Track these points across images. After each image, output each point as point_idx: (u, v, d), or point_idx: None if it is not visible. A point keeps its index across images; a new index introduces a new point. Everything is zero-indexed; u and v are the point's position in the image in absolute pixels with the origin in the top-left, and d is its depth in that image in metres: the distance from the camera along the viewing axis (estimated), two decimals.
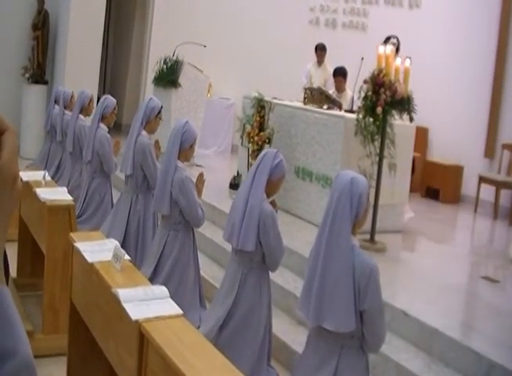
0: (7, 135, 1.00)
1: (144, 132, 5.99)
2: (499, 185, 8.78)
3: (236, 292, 4.35)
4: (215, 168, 10.29)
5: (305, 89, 8.37)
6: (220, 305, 4.44)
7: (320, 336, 3.37)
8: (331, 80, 9.26)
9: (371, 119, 6.34)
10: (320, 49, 10.32)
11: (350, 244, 3.22)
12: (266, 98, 8.23)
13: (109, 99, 7.00)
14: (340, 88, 9.10)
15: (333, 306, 3.20)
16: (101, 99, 7.12)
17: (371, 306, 3.19)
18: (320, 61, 10.33)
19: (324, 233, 3.26)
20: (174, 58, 10.53)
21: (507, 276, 6.27)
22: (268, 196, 4.38)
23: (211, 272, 6.34)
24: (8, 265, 1.09)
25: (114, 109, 7.00)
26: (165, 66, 10.52)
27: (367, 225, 5.65)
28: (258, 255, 4.32)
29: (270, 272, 4.49)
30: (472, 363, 4.37)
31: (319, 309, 3.26)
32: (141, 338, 2.99)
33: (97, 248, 4.00)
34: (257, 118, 8.08)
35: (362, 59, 7.85)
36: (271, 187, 4.34)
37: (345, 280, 3.17)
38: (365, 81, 6.44)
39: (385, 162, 6.47)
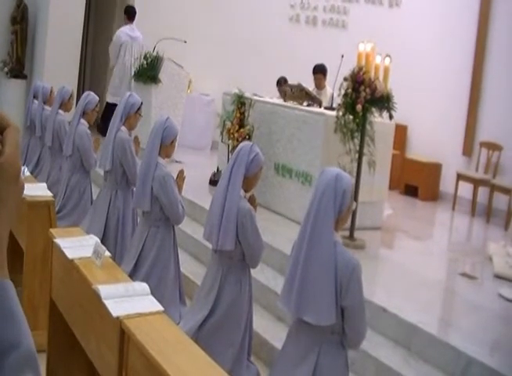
0: (9, 131, 1.02)
1: (123, 128, 5.97)
2: (476, 182, 8.86)
3: (217, 290, 4.35)
4: (195, 164, 10.26)
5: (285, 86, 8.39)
6: (201, 303, 4.44)
7: (301, 330, 3.38)
8: None
9: (351, 116, 6.37)
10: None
11: (332, 239, 3.23)
12: (246, 94, 8.23)
13: (92, 96, 6.97)
14: (319, 85, 9.13)
15: (314, 300, 3.22)
16: (83, 95, 7.08)
17: (353, 303, 3.21)
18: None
19: (307, 227, 3.28)
20: (155, 53, 10.48)
21: (485, 272, 6.33)
22: (247, 190, 4.38)
23: (192, 269, 6.34)
24: None
25: (96, 106, 6.97)
26: (145, 62, 10.48)
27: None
28: (238, 253, 4.33)
29: (251, 269, 4.50)
30: (450, 358, 4.41)
31: (300, 302, 3.27)
32: (122, 334, 2.99)
33: (77, 244, 3.99)
34: (238, 115, 8.09)
35: (342, 56, 7.87)
36: (248, 182, 4.34)
37: (327, 275, 3.18)
38: (345, 79, 6.47)
39: (364, 159, 6.51)
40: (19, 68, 11.58)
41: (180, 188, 5.21)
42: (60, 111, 7.86)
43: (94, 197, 6.78)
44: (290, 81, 9.05)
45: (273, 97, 9.29)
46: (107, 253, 3.85)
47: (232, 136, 8.06)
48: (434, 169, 9.73)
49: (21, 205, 0.97)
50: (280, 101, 8.14)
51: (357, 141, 6.43)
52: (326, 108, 7.60)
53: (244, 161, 4.25)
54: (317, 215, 3.25)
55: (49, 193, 5.33)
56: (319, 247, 3.23)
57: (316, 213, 3.25)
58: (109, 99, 11.46)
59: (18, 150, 1.01)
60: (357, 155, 6.47)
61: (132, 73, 10.84)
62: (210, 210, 4.44)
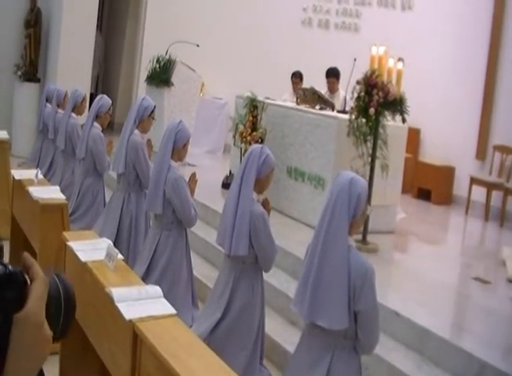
0: (36, 284, 1.05)
1: (137, 131, 5.99)
2: (490, 186, 8.81)
3: (230, 293, 4.35)
4: (208, 167, 10.28)
5: (298, 89, 8.40)
6: (214, 306, 4.44)
7: (313, 334, 3.37)
8: None
9: (364, 120, 6.35)
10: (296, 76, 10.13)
11: (346, 243, 3.23)
12: (259, 98, 8.24)
13: (105, 99, 6.99)
14: (332, 89, 9.12)
15: (327, 304, 3.21)
16: (96, 98, 7.11)
17: (366, 307, 3.20)
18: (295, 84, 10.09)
19: (321, 231, 3.27)
20: (167, 57, 10.52)
21: (498, 277, 6.29)
22: (260, 192, 4.38)
23: (204, 272, 6.34)
24: None
25: (109, 109, 6.99)
26: (158, 65, 10.51)
27: None
28: (251, 257, 4.32)
29: (264, 273, 4.49)
30: (463, 363, 4.39)
31: (313, 305, 3.26)
32: (134, 337, 2.99)
33: (90, 247, 3.99)
34: (250, 118, 8.09)
35: (355, 60, 7.87)
36: (261, 184, 4.33)
37: (340, 278, 3.17)
38: (357, 82, 6.45)
39: (377, 163, 6.49)
40: (32, 72, 11.63)
41: (192, 191, 5.21)
42: (73, 114, 7.90)
43: (107, 200, 6.80)
44: (303, 85, 9.07)
45: (285, 93, 9.37)
46: (120, 256, 3.86)
47: (244, 139, 8.07)
48: (448, 173, 9.70)
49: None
50: (293, 104, 8.14)
51: (370, 144, 6.42)
52: (338, 111, 7.60)
53: (255, 164, 4.26)
54: (331, 219, 3.24)
55: (62, 196, 5.35)
56: (332, 251, 3.22)
57: (330, 217, 3.24)
58: None
59: (42, 303, 1.04)
60: (370, 159, 6.45)
61: None
62: (222, 214, 4.45)
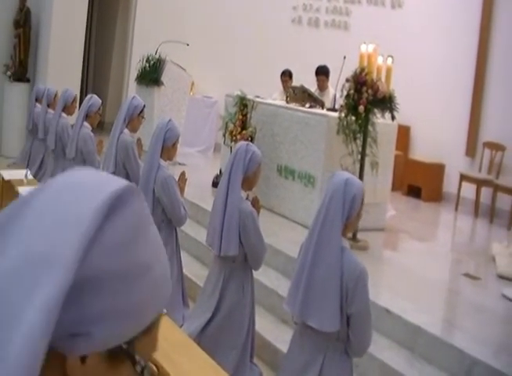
0: None
1: (126, 131, 5.98)
2: (479, 183, 8.84)
3: (220, 292, 4.35)
4: (198, 166, 10.28)
5: (288, 88, 8.40)
6: (204, 306, 4.44)
7: (306, 335, 3.35)
8: None
9: (353, 117, 6.36)
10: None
11: (339, 244, 3.20)
12: (249, 96, 8.24)
13: (95, 99, 6.97)
14: (322, 87, 9.11)
15: (318, 304, 3.19)
16: (86, 98, 7.08)
17: (358, 310, 3.17)
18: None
19: (315, 230, 3.25)
20: (157, 56, 10.50)
21: (488, 273, 6.31)
22: (250, 189, 4.39)
23: (194, 271, 6.34)
24: None
25: (99, 109, 6.97)
26: (148, 65, 10.49)
27: None
28: (241, 256, 4.32)
29: (254, 271, 4.49)
30: (455, 359, 4.40)
31: (305, 305, 3.25)
32: None
33: None
34: (240, 117, 8.09)
35: (345, 57, 7.87)
36: (249, 182, 4.34)
37: (332, 280, 3.15)
38: (347, 80, 6.46)
39: (367, 160, 6.50)
40: (22, 72, 11.58)
41: (182, 190, 5.20)
42: (63, 114, 7.87)
43: None
44: (293, 83, 9.07)
45: (275, 92, 9.36)
46: None
47: (234, 138, 8.06)
48: (437, 170, 9.72)
49: None
50: (283, 103, 8.14)
51: (359, 142, 6.43)
52: (328, 109, 7.60)
53: (242, 162, 4.26)
54: (325, 220, 3.21)
55: None
56: (325, 251, 3.20)
57: (324, 217, 3.21)
58: None
59: None
60: (359, 156, 6.46)
61: None
62: (211, 213, 4.45)
